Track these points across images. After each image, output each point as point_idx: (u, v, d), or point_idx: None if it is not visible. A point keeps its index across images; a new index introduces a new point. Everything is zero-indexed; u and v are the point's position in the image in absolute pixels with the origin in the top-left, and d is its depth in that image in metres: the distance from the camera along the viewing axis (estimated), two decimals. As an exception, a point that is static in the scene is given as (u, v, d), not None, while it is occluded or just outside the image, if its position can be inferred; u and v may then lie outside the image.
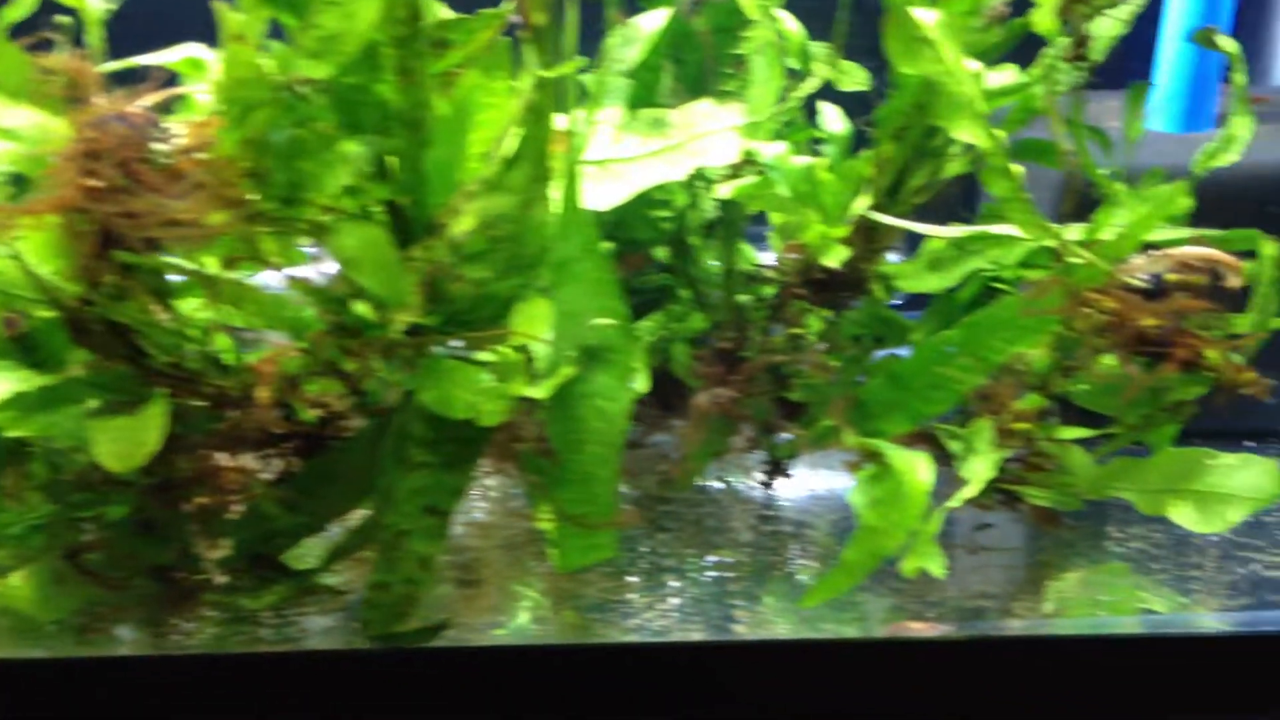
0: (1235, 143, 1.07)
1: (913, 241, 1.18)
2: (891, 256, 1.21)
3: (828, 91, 1.18)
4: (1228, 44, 1.07)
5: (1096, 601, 1.10)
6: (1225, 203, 1.25)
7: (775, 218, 1.13)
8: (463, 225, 0.92)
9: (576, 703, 0.99)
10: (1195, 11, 1.28)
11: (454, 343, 0.92)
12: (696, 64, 1.21)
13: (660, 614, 1.07)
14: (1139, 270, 0.93)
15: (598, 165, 1.08)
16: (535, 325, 0.90)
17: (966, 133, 0.93)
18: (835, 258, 1.04)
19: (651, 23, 1.07)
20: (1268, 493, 1.04)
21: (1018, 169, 0.95)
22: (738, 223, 1.14)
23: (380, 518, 0.97)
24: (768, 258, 1.19)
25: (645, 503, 1.23)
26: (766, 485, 1.24)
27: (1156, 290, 0.96)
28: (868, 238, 1.14)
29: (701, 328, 1.18)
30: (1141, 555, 1.15)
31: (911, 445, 1.11)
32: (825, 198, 1.04)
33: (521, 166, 0.92)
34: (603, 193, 1.07)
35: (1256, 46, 1.48)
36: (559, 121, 0.96)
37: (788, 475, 1.23)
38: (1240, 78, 1.06)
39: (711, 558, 1.15)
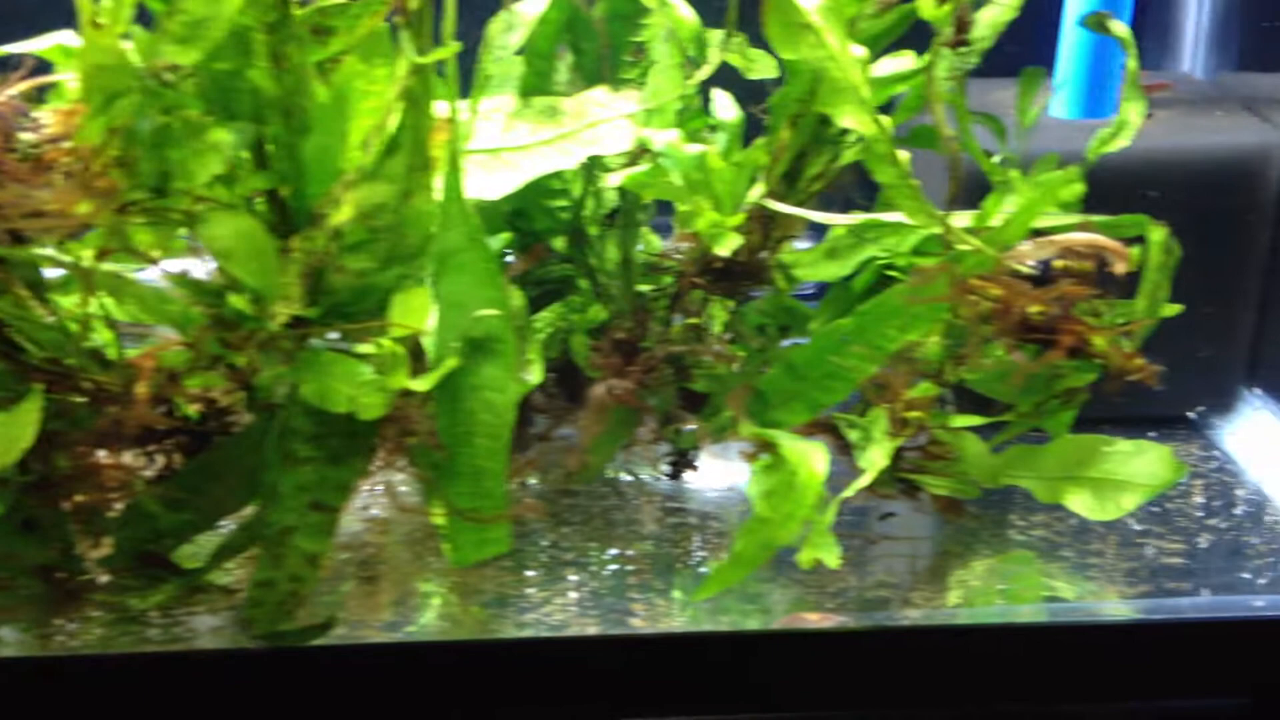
0: (1127, 128, 1.07)
1: (824, 231, 1.17)
2: (801, 245, 1.20)
3: (731, 79, 1.17)
4: (1119, 29, 1.07)
5: (1000, 590, 1.09)
6: (1131, 189, 1.26)
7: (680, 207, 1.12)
8: (342, 215, 0.91)
9: (467, 698, 0.97)
10: (1095, -2, 1.28)
11: (335, 335, 0.90)
12: (595, 52, 1.19)
13: (559, 608, 1.06)
14: (1026, 257, 0.93)
15: (489, 154, 1.07)
16: (414, 316, 0.88)
17: (851, 119, 0.92)
18: (728, 246, 1.03)
19: (533, 8, 1.06)
20: (1162, 479, 1.04)
21: (904, 155, 0.95)
22: (635, 212, 1.13)
23: (265, 514, 0.95)
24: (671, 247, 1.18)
25: (550, 496, 1.22)
26: (673, 477, 1.23)
27: (1046, 277, 0.96)
28: (766, 226, 1.14)
29: (602, 318, 1.17)
30: (1044, 543, 1.15)
31: (811, 435, 1.11)
32: (717, 186, 1.03)
33: (400, 155, 0.90)
34: (494, 182, 1.06)
35: (1163, 32, 1.49)
36: (442, 109, 0.94)
37: (694, 467, 1.22)
38: (1132, 63, 1.06)
39: (613, 550, 1.13)
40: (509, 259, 1.19)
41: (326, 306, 0.93)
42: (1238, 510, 1.19)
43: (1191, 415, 1.34)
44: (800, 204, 1.15)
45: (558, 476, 1.22)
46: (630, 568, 1.12)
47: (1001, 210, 1.04)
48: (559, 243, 1.15)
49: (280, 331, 0.90)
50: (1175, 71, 1.48)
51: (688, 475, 1.24)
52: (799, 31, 0.90)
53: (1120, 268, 0.93)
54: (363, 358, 0.90)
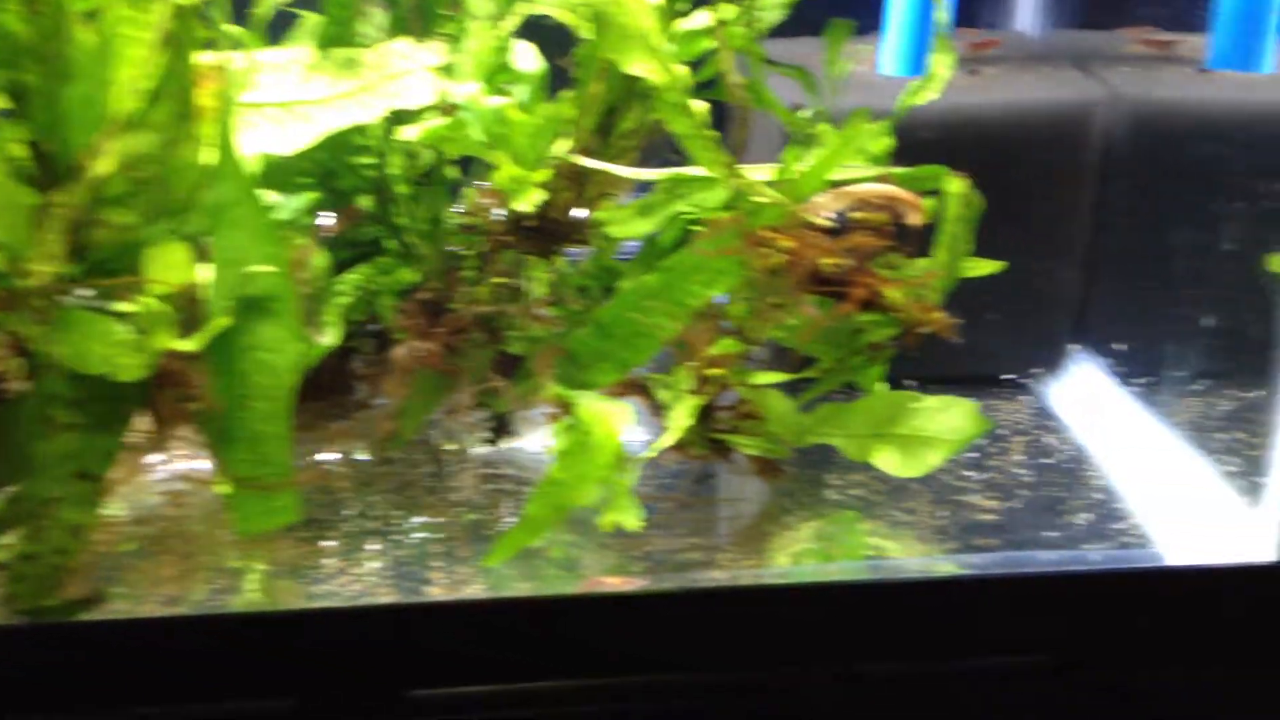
0: (935, 81, 1.05)
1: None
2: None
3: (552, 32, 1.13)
4: (928, -20, 1.06)
5: (807, 550, 1.08)
6: (955, 145, 1.25)
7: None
8: (103, 166, 0.86)
9: (247, 671, 0.94)
10: (921, -47, 1.27)
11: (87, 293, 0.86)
12: (409, 3, 1.15)
13: (355, 578, 1.02)
14: (821, 209, 0.91)
15: (282, 107, 1.02)
16: (173, 272, 0.84)
17: (639, 66, 0.89)
18: (528, 201, 1.00)
19: None
20: (966, 434, 1.03)
21: (700, 106, 0.92)
22: (443, 168, 1.09)
23: (28, 485, 0.90)
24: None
25: (363, 463, 1.19)
26: (492, 443, 1.20)
27: (844, 230, 0.94)
28: (579, 183, 1.11)
29: (413, 280, 1.13)
30: (861, 502, 1.14)
31: (622, 395, 1.09)
32: (517, 140, 0.99)
33: (164, 103, 0.86)
34: (287, 136, 1.01)
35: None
36: (215, 57, 0.90)
37: (512, 433, 1.19)
38: (940, 15, 1.05)
39: (419, 518, 1.10)
40: (328, 219, 1.15)
41: (91, 264, 0.88)
42: (1055, 468, 1.19)
43: (1012, 377, 1.34)
44: (615, 159, 1.12)
45: (372, 443, 1.19)
46: (439, 535, 1.08)
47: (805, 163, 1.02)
48: (366, 201, 1.11)
49: (33, 289, 0.85)
50: (1011, 30, 1.48)
51: (512, 440, 1.21)
52: (580, -25, 0.87)
53: (914, 219, 0.91)
54: (124, 316, 0.86)
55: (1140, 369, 1.25)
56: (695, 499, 1.12)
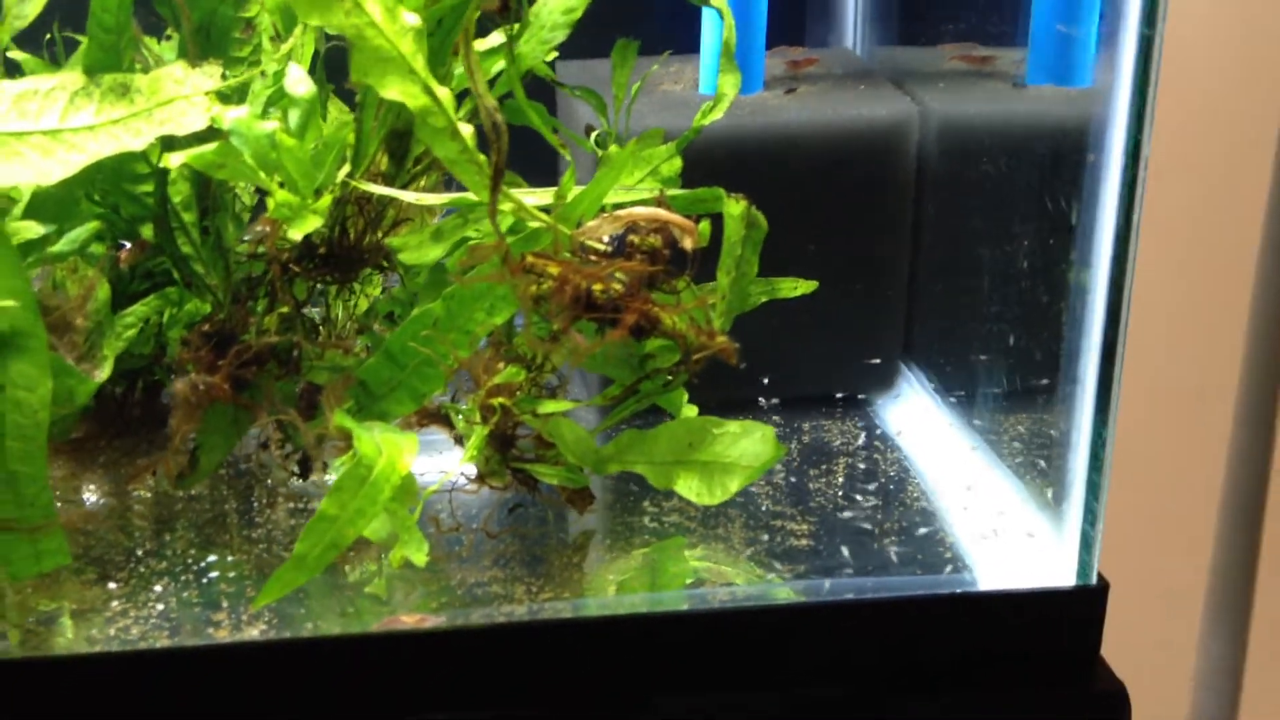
0: (723, 101, 1.04)
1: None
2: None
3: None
4: (719, 1, 1.04)
5: (610, 581, 1.06)
6: (770, 164, 1.24)
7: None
8: None
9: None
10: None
11: None
12: (199, 25, 1.12)
13: (136, 620, 0.98)
14: (591, 233, 0.89)
15: (47, 136, 0.99)
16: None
17: (396, 91, 0.87)
18: (302, 230, 0.97)
19: None
20: (764, 459, 1.01)
21: (466, 129, 0.90)
22: (224, 195, 1.06)
23: None
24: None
25: (164, 500, 1.15)
26: (303, 476, 1.17)
27: (620, 254, 0.92)
28: (374, 210, 1.08)
29: (205, 310, 1.09)
30: (674, 529, 1.12)
31: (422, 425, 1.06)
32: (289, 165, 0.97)
33: (-108, 134, 0.82)
34: (51, 166, 0.97)
35: (828, 9, 1.47)
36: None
37: (322, 466, 1.16)
38: (727, 34, 1.03)
39: (214, 557, 1.07)
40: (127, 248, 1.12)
41: None
42: (875, 490, 1.18)
43: (847, 395, 1.33)
44: (410, 185, 1.10)
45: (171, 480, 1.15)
46: (233, 574, 1.05)
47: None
48: (147, 231, 1.08)
49: None
50: (838, 48, 1.47)
51: (326, 473, 1.17)
52: (329, -6, 0.84)
53: (688, 243, 0.89)
54: None
55: (961, 386, 1.24)
56: (501, 530, 1.10)
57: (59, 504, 1.14)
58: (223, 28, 1.12)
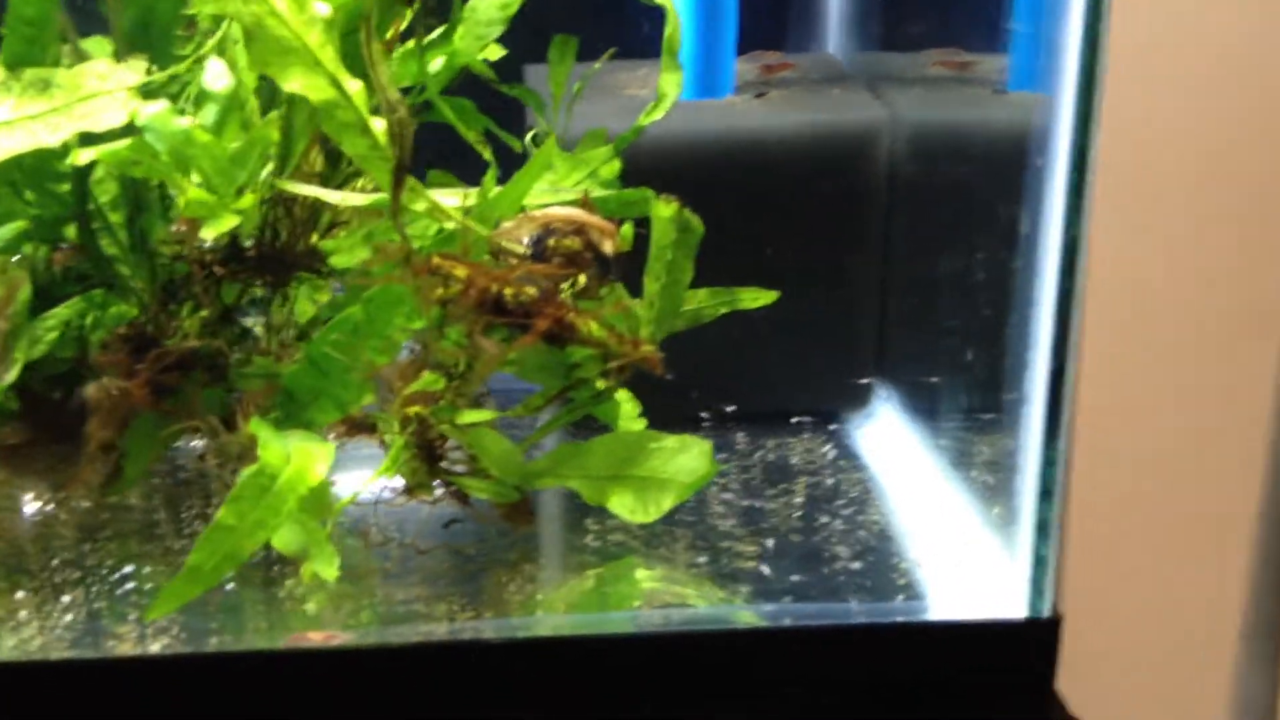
0: (664, 101, 0.99)
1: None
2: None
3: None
4: (665, -3, 0.99)
5: (537, 601, 1.01)
6: (738, 169, 1.19)
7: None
8: None
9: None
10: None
11: None
12: (136, 22, 1.09)
13: (42, 631, 0.95)
14: (507, 235, 0.84)
15: (-39, 129, 0.96)
16: None
17: (299, 83, 0.82)
18: (216, 230, 0.93)
19: None
20: (698, 475, 0.96)
21: (377, 126, 0.85)
22: (146, 192, 1.02)
23: None
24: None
25: (96, 509, 1.11)
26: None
27: (539, 257, 0.87)
28: (304, 211, 1.04)
29: (131, 314, 1.06)
30: (615, 548, 1.06)
31: (349, 435, 1.02)
32: (204, 163, 0.93)
33: None
34: (-35, 160, 0.95)
35: (809, 13, 1.42)
36: None
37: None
38: (670, 31, 0.98)
39: (130, 567, 1.03)
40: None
41: None
42: (834, 511, 1.12)
43: (816, 412, 1.28)
44: (343, 185, 1.06)
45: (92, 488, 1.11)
46: (149, 585, 1.01)
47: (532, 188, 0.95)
48: (70, 231, 1.04)
49: None
50: (819, 53, 1.42)
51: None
52: (223, -21, 0.80)
53: (608, 246, 0.84)
54: None
55: (931, 405, 1.18)
56: (432, 546, 1.05)
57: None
58: (163, 25, 1.08)
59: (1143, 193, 1.25)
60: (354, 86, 0.85)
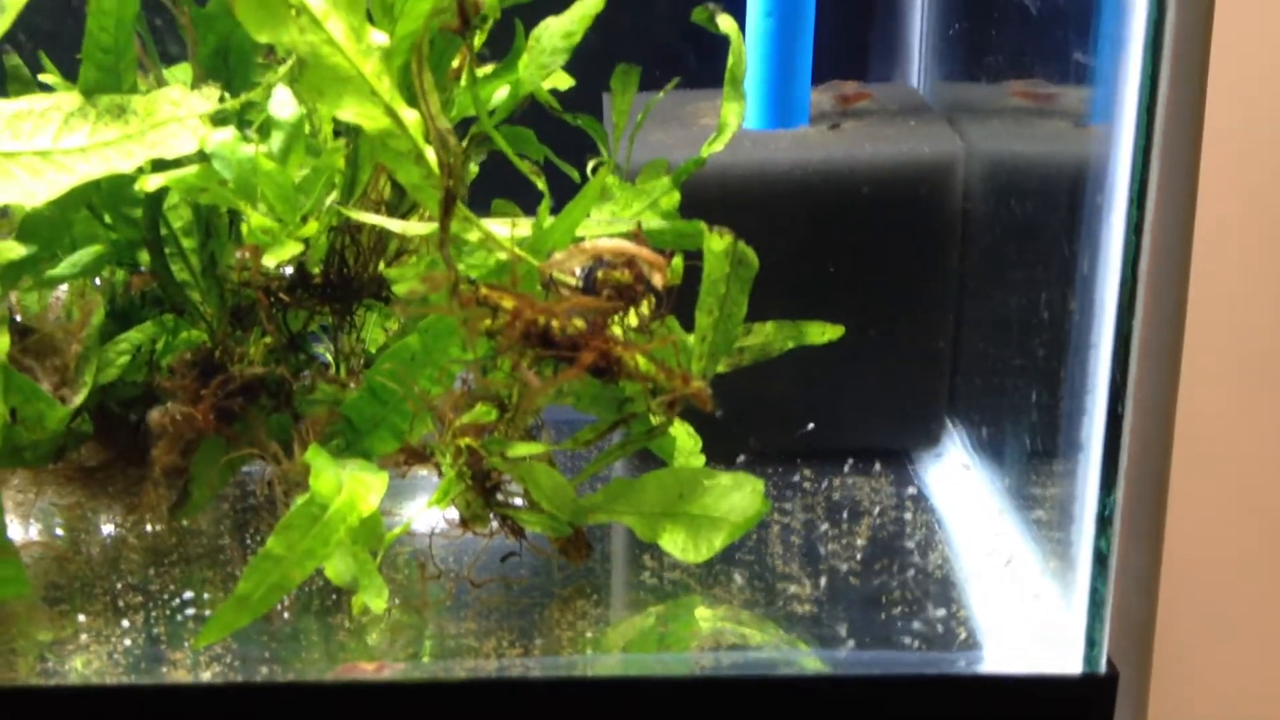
0: (725, 131, 0.98)
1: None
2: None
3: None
4: (728, 25, 0.98)
5: (586, 640, 0.99)
6: (811, 200, 1.17)
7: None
8: None
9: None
10: (776, 0, 1.19)
11: None
12: (215, 49, 1.11)
13: (99, 655, 0.96)
14: (557, 266, 0.83)
15: (38, 156, 0.98)
16: None
17: (353, 112, 0.83)
18: (279, 256, 0.94)
19: None
20: (749, 515, 0.94)
21: (431, 155, 0.85)
22: (216, 220, 1.04)
23: None
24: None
25: (166, 531, 1.13)
26: (300, 511, 1.13)
27: (589, 289, 0.86)
28: (360, 238, 1.05)
29: (199, 339, 1.07)
30: (670, 585, 1.05)
31: (407, 464, 1.02)
32: (268, 190, 0.94)
33: None
34: (39, 186, 0.96)
35: (891, 43, 1.40)
36: None
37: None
38: (733, 62, 0.97)
39: (190, 593, 1.04)
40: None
41: None
42: (897, 552, 1.09)
43: (889, 449, 1.25)
44: (409, 213, 1.07)
45: (158, 512, 1.13)
46: (206, 612, 1.02)
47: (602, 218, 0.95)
48: (144, 256, 1.06)
49: None
50: (899, 83, 1.39)
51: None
52: (281, 11, 0.80)
53: (657, 279, 0.83)
54: None
55: (1000, 445, 1.15)
56: (486, 580, 1.04)
57: (59, 532, 1.14)
58: (241, 52, 1.10)
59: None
60: (410, 116, 0.85)
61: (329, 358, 1.13)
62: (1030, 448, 1.03)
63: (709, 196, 1.13)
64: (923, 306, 1.20)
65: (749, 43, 1.21)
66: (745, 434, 1.21)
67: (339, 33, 0.83)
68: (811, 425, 1.23)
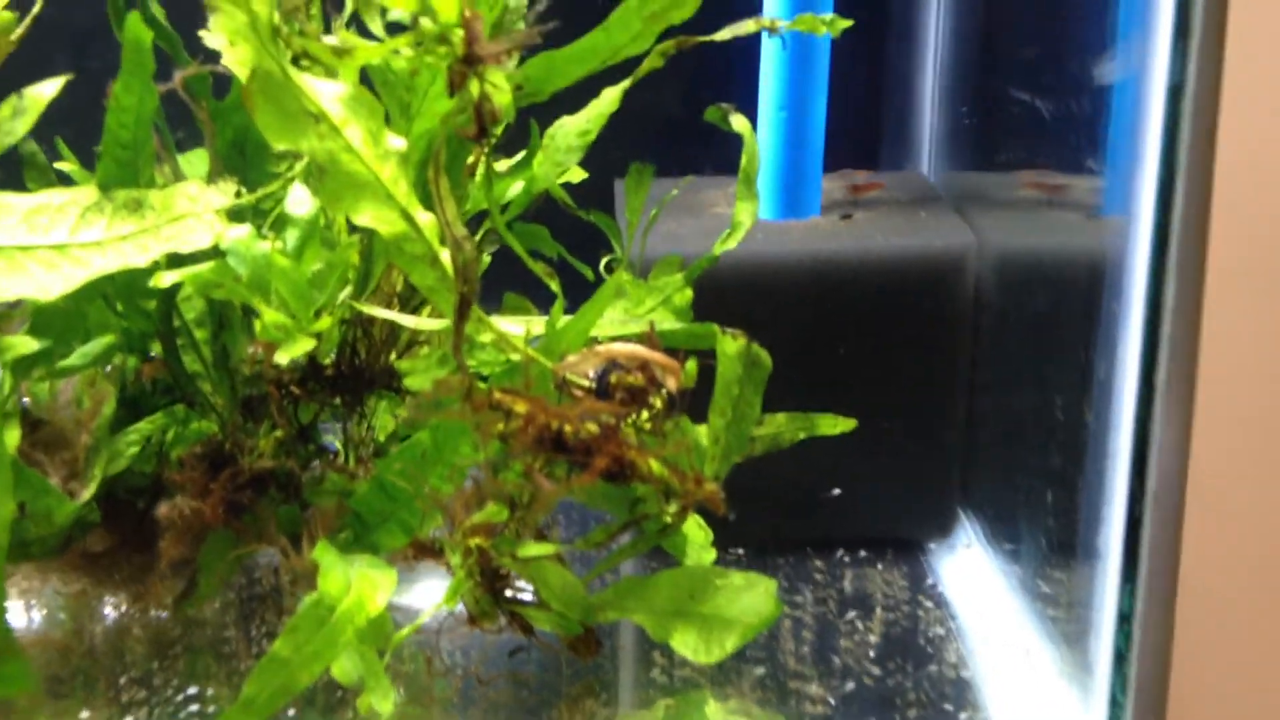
0: (739, 229, 0.98)
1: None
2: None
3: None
4: (740, 124, 0.99)
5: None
6: (822, 293, 1.17)
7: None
8: None
9: None
10: (788, 94, 1.20)
11: None
12: (231, 142, 1.11)
13: (102, 755, 0.95)
14: (570, 369, 0.83)
15: (55, 250, 0.98)
16: None
17: (370, 216, 0.83)
18: (292, 352, 0.93)
19: (42, 91, 0.97)
20: (763, 616, 0.93)
21: (445, 258, 0.85)
22: (229, 312, 1.04)
23: None
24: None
25: (167, 624, 1.12)
26: (309, 603, 1.12)
27: (602, 391, 0.86)
28: (381, 332, 1.05)
29: (210, 430, 1.07)
30: (681, 683, 1.04)
31: (415, 559, 1.01)
32: (281, 286, 0.94)
33: None
34: (55, 280, 0.97)
35: (903, 133, 1.41)
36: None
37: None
38: (749, 161, 0.98)
39: (195, 688, 1.03)
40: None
41: None
42: (911, 648, 1.08)
43: (902, 540, 1.24)
44: (420, 307, 1.07)
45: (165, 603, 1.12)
46: (210, 709, 1.01)
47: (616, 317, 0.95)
48: (156, 346, 1.06)
49: None
50: (909, 172, 1.40)
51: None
52: (300, 119, 0.81)
53: (671, 383, 0.83)
54: None
55: (1014, 539, 1.14)
56: (494, 675, 1.03)
57: (61, 618, 1.13)
58: (257, 144, 1.11)
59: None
60: (425, 219, 0.85)
61: (338, 445, 1.13)
62: (1060, 543, 1.01)
63: (721, 288, 1.13)
64: (934, 399, 1.20)
65: (761, 135, 1.21)
66: (758, 523, 1.21)
67: (357, 139, 0.83)
68: (838, 490, 1.23)
